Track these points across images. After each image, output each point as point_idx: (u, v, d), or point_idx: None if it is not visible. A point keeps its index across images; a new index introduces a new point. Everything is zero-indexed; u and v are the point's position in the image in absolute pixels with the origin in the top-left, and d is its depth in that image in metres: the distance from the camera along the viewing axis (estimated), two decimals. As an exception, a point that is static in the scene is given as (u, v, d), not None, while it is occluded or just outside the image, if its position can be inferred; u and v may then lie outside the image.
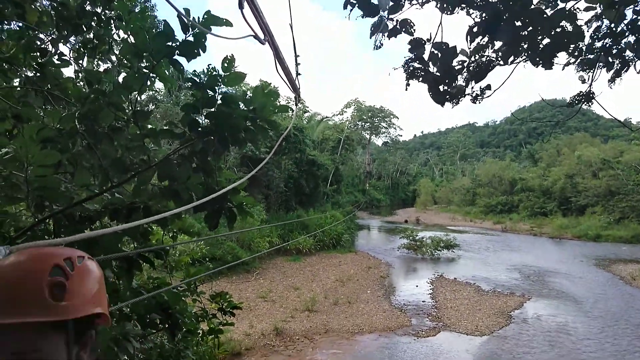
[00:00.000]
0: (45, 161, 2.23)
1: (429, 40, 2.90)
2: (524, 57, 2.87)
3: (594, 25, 3.12)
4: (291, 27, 3.88)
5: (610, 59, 3.13)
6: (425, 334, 17.45)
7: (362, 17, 3.03)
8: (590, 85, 3.26)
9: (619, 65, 3.15)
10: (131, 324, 2.96)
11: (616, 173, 51.48)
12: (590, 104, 3.42)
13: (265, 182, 35.70)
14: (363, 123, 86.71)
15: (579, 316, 19.62)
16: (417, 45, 2.92)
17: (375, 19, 3.03)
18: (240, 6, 2.36)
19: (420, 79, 3.01)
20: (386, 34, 3.09)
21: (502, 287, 24.42)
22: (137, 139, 2.64)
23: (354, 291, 23.27)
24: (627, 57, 3.13)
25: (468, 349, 16.00)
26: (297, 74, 4.11)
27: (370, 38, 3.10)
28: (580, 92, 3.39)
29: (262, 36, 2.87)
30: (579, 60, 3.23)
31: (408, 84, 3.15)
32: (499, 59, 2.92)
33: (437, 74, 2.97)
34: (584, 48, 3.22)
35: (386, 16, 3.03)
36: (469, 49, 2.98)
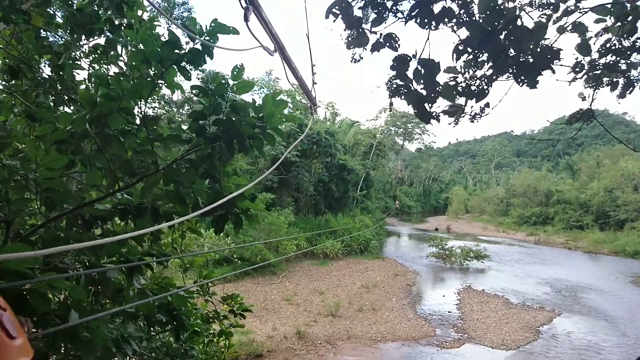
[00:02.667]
0: (54, 164, 2.31)
1: (414, 56, 2.82)
2: (508, 76, 2.77)
3: (603, 38, 2.99)
4: (307, 37, 3.89)
5: (613, 79, 2.99)
6: (450, 345, 17.11)
7: (345, 30, 2.99)
8: (591, 103, 3.12)
9: (623, 85, 3.00)
10: (135, 324, 3.02)
11: (659, 187, 49.19)
12: (589, 122, 3.28)
13: (294, 185, 35.88)
14: (397, 129, 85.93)
15: (611, 335, 18.80)
16: (401, 62, 2.84)
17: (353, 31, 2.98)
18: (246, 19, 2.39)
19: (403, 96, 2.93)
20: (369, 48, 3.04)
21: (531, 301, 23.70)
22: (145, 143, 2.70)
23: (379, 298, 23.07)
24: (632, 77, 2.98)
25: (493, 363, 15.58)
26: (314, 83, 4.11)
27: (348, 49, 3.06)
28: (580, 109, 3.25)
29: (271, 47, 2.89)
30: (585, 76, 3.09)
31: (391, 103, 3.09)
32: (485, 79, 2.83)
33: (422, 91, 2.89)
34: (585, 64, 3.09)
35: (369, 29, 2.98)
36: (456, 66, 2.89)
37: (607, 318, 21.38)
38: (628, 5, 2.83)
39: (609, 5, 2.92)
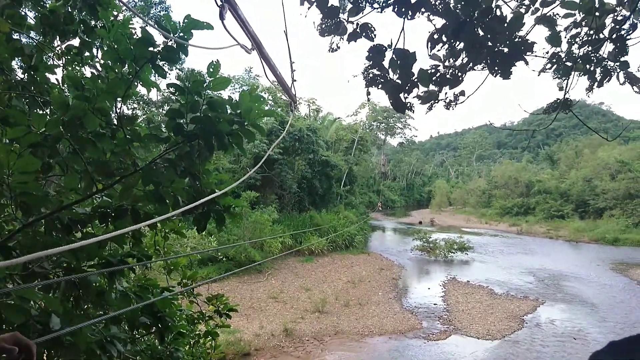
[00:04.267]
0: (26, 168, 2.25)
1: (390, 46, 2.83)
2: (483, 66, 2.80)
3: (573, 31, 3.04)
4: (286, 34, 3.87)
5: (590, 67, 3.04)
6: (436, 337, 17.32)
7: (322, 19, 2.99)
8: (566, 92, 3.17)
9: (601, 74, 3.06)
10: (119, 327, 2.98)
11: (636, 175, 50.38)
12: (567, 111, 3.33)
13: (278, 182, 35.81)
14: (378, 124, 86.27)
15: (594, 321, 19.26)
16: (377, 52, 2.86)
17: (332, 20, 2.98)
18: (222, 17, 2.36)
19: (380, 86, 2.95)
20: (345, 38, 3.04)
21: (515, 291, 24.11)
22: (122, 144, 2.66)
23: (365, 293, 23.21)
24: (609, 67, 3.03)
25: (479, 353, 15.82)
26: (293, 80, 4.09)
27: (322, 36, 3.06)
28: (557, 99, 3.31)
29: (249, 45, 2.87)
30: (555, 66, 3.14)
31: (368, 92, 3.10)
32: (460, 67, 2.86)
33: (398, 81, 2.90)
34: (562, 55, 3.13)
35: (346, 19, 2.98)
36: (430, 55, 2.92)
37: (589, 305, 21.87)
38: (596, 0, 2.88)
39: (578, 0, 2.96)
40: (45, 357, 2.57)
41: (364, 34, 3.02)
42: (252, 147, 32.95)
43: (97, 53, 3.32)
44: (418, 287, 25.43)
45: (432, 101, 3.07)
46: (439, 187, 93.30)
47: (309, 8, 2.95)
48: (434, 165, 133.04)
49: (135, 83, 2.58)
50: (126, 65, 2.53)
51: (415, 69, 2.87)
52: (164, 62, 2.58)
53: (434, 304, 21.74)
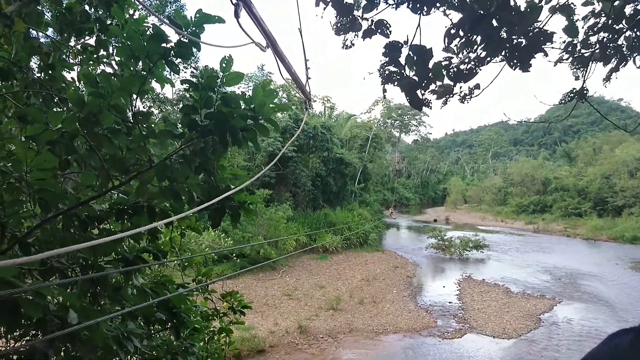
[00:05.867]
0: (44, 164, 2.28)
1: (406, 42, 2.79)
2: (500, 59, 2.74)
3: (591, 21, 2.96)
4: (300, 31, 3.85)
5: (607, 53, 2.96)
6: (451, 335, 17.19)
7: (336, 17, 2.96)
8: (584, 81, 3.09)
9: (617, 60, 2.98)
10: (135, 322, 3.00)
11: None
12: (583, 101, 3.25)
13: (292, 180, 35.87)
14: (392, 121, 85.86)
15: (612, 321, 18.91)
16: (393, 49, 2.81)
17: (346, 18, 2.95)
18: (237, 15, 2.35)
19: (396, 83, 2.90)
20: (360, 34, 3.00)
21: (532, 289, 23.81)
22: (137, 140, 2.68)
23: (379, 291, 23.13)
24: (625, 53, 2.95)
25: (494, 352, 15.67)
26: (307, 78, 4.07)
27: (337, 35, 3.03)
28: (573, 89, 3.23)
29: (263, 43, 2.86)
30: (572, 57, 3.07)
31: (384, 90, 3.06)
32: (476, 61, 2.80)
33: (414, 78, 2.85)
34: (578, 44, 3.06)
35: (361, 15, 2.95)
36: (452, 48, 2.87)
37: (607, 304, 21.51)
38: None
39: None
40: (62, 353, 2.61)
41: (379, 31, 2.98)
42: (267, 146, 33.06)
43: (112, 51, 3.34)
44: (433, 285, 25.26)
45: (447, 95, 3.03)
46: (454, 184, 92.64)
47: (324, 8, 2.93)
48: (449, 163, 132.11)
49: (149, 80, 2.59)
50: (140, 62, 2.54)
51: (430, 63, 2.83)
52: (178, 60, 2.59)
53: (449, 302, 21.58)
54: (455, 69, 2.90)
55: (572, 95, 3.27)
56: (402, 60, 2.88)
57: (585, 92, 3.19)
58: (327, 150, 38.83)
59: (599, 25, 2.92)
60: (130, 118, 2.72)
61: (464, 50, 2.90)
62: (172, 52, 2.47)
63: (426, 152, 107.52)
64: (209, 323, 4.53)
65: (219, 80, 2.63)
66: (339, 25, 3.02)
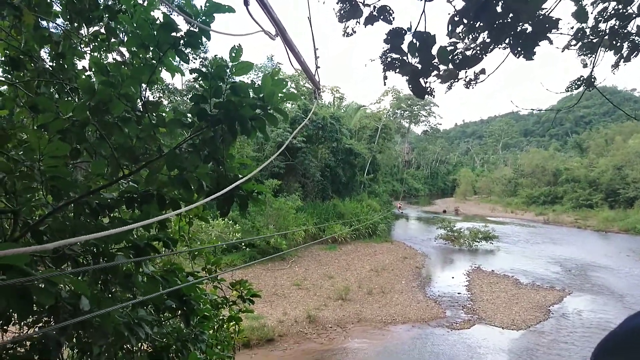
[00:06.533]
0: (56, 152, 2.30)
1: (409, 29, 2.74)
2: (504, 46, 2.68)
3: (600, 6, 2.89)
4: (309, 20, 3.83)
5: (617, 42, 2.90)
6: (460, 326, 17.20)
7: (338, 2, 2.92)
8: (593, 68, 3.03)
9: (628, 49, 2.91)
10: (145, 310, 3.04)
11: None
12: (591, 89, 3.19)
13: (301, 170, 35.90)
14: (402, 111, 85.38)
15: (621, 313, 18.79)
16: (396, 36, 2.77)
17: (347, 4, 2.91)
18: (246, 3, 2.35)
19: (398, 70, 2.86)
20: (362, 21, 2.96)
21: (541, 281, 23.70)
22: (147, 129, 2.69)
23: (388, 281, 23.17)
24: (637, 41, 2.88)
25: (503, 343, 15.65)
26: (317, 67, 4.05)
27: (341, 22, 2.99)
28: (581, 76, 3.17)
29: (272, 32, 2.85)
30: (581, 43, 3.00)
31: (385, 77, 3.01)
32: (480, 47, 2.75)
33: (417, 65, 2.81)
34: (587, 30, 2.99)
35: (362, 1, 2.91)
36: (458, 33, 2.82)
37: (618, 296, 21.36)
38: None
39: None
40: (74, 339, 2.65)
41: (381, 17, 2.94)
42: (276, 136, 33.07)
43: (124, 38, 3.35)
44: (442, 276, 25.24)
45: (452, 80, 2.99)
46: (464, 175, 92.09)
47: None
48: (458, 154, 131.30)
49: (160, 69, 2.59)
50: (150, 51, 2.54)
51: (433, 51, 2.79)
52: (188, 50, 2.59)
53: (458, 293, 21.57)
54: (460, 55, 2.85)
55: (579, 83, 3.21)
56: (404, 47, 2.84)
57: (593, 79, 3.14)
58: (336, 141, 38.75)
59: (609, 10, 2.86)
60: (140, 107, 2.73)
61: (468, 37, 2.86)
62: (182, 41, 2.47)
63: (436, 143, 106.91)
64: (218, 311, 4.57)
65: (229, 69, 2.63)
66: (341, 12, 2.99)
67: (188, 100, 34.72)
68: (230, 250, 24.59)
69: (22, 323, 3.75)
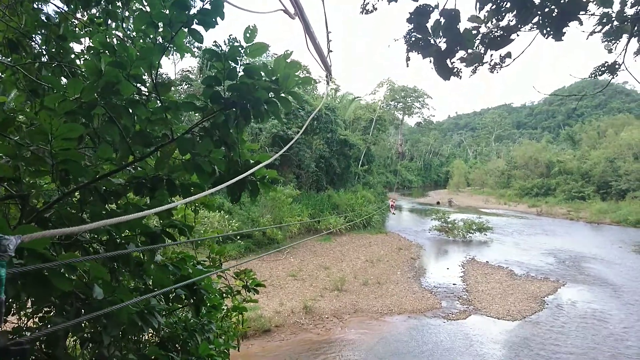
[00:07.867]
0: (69, 134, 2.20)
1: (437, 7, 2.65)
2: (530, 27, 2.61)
3: None
4: (323, 2, 3.74)
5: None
6: (455, 317, 17.28)
7: None
8: (625, 55, 2.97)
9: None
10: (156, 299, 2.97)
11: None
12: (615, 75, 3.13)
13: (296, 161, 35.78)
14: (396, 103, 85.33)
15: (615, 303, 18.99)
16: (420, 14, 2.67)
17: None
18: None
19: (421, 50, 2.77)
20: None
21: (535, 272, 23.87)
22: (158, 112, 2.60)
23: (383, 272, 23.21)
24: None
25: (498, 333, 15.75)
26: (329, 50, 3.96)
27: None
28: (605, 62, 3.11)
29: (291, 10, 2.76)
30: (605, 28, 2.94)
31: (408, 58, 2.93)
32: (505, 29, 2.67)
33: (443, 45, 2.72)
34: (612, 15, 2.93)
35: None
36: (479, 16, 2.73)
37: (611, 287, 21.55)
38: None
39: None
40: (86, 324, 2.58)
41: None
42: (271, 127, 32.87)
43: (125, 14, 3.23)
44: (437, 267, 25.33)
45: (477, 64, 2.91)
46: (457, 167, 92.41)
47: None
48: (451, 146, 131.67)
49: (171, 48, 2.50)
50: (159, 31, 2.44)
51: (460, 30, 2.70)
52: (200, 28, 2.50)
53: (453, 284, 21.65)
54: (486, 36, 2.77)
55: (602, 69, 3.15)
56: (429, 26, 2.74)
57: (617, 66, 3.08)
58: (331, 132, 38.64)
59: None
60: (149, 88, 2.64)
61: (493, 19, 2.78)
62: (195, 19, 2.38)
63: (429, 135, 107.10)
64: (222, 301, 4.52)
65: (243, 50, 2.53)
66: None
67: (181, 90, 34.47)
68: (224, 242, 24.50)
69: (22, 313, 3.66)
